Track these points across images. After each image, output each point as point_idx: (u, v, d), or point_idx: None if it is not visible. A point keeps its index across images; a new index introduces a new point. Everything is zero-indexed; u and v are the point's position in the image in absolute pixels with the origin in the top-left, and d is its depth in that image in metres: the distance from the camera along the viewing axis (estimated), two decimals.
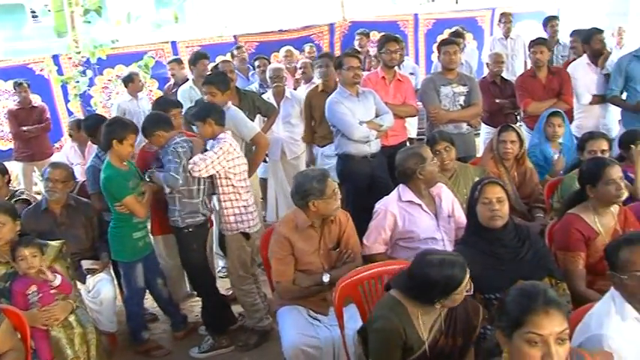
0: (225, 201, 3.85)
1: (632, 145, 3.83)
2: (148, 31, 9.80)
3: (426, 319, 2.41)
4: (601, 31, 5.59)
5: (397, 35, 5.19)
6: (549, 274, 2.82)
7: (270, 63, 6.65)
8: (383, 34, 5.51)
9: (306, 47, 8.13)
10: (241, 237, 3.90)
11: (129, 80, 6.86)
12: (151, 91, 7.99)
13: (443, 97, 4.86)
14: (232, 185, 3.85)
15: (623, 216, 3.12)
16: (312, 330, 3.14)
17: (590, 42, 5.53)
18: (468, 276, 2.33)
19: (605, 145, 3.95)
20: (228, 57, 7.49)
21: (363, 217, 3.62)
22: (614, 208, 3.10)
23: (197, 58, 6.09)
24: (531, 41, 5.73)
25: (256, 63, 6.60)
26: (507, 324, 1.79)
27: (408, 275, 2.43)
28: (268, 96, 5.74)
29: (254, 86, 6.44)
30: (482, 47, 9.09)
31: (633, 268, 2.08)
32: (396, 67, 5.33)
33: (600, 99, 5.38)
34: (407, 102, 5.03)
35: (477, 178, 3.50)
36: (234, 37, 8.64)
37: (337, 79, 4.81)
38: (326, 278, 3.19)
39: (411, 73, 6.50)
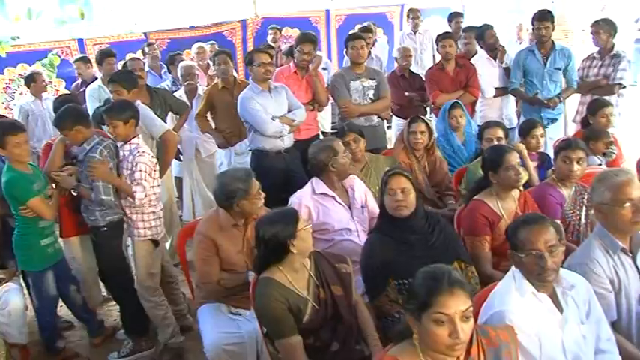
0: (136, 207, 3.68)
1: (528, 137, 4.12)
2: (52, 27, 9.36)
3: (298, 279, 2.60)
4: (491, 27, 5.88)
5: (314, 35, 5.23)
6: (458, 257, 2.94)
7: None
8: (302, 32, 5.52)
9: (207, 46, 7.99)
10: (150, 243, 3.76)
11: (31, 80, 6.48)
12: (57, 90, 7.66)
13: (353, 92, 4.97)
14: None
15: (523, 200, 3.31)
16: (233, 326, 3.12)
17: (484, 38, 5.83)
18: (299, 219, 2.59)
19: (500, 133, 4.18)
20: (138, 54, 7.29)
21: None
22: (515, 193, 3.29)
23: (103, 57, 5.89)
24: (438, 36, 5.94)
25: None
26: (416, 306, 1.86)
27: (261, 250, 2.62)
28: (180, 94, 5.65)
29: (166, 84, 6.32)
30: (392, 42, 9.33)
31: (529, 246, 2.21)
32: None
33: (502, 91, 5.66)
34: (316, 97, 5.10)
35: (387, 169, 3.60)
36: (145, 34, 8.46)
37: (236, 76, 4.80)
38: (250, 277, 3.15)
39: (324, 69, 6.57)
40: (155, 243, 3.79)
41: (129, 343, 3.87)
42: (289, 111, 4.59)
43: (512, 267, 2.33)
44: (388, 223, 2.98)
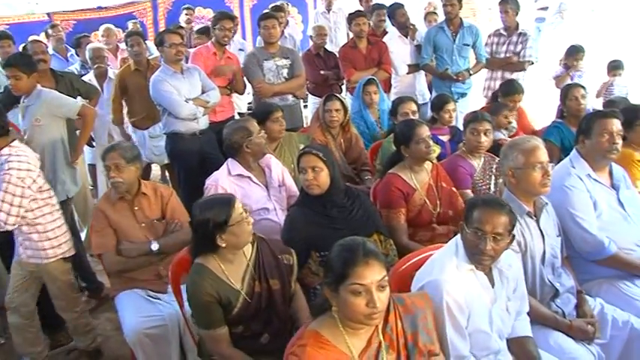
0: (35, 225, 3.23)
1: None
2: None
3: (233, 270, 2.49)
4: (402, 6, 5.99)
5: (232, 12, 5.17)
6: (377, 230, 2.99)
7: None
8: (220, 10, 5.43)
9: (130, 24, 7.75)
10: (62, 261, 3.38)
11: None
12: None
13: (266, 71, 4.95)
14: (39, 207, 3.26)
15: (436, 172, 3.41)
16: (154, 309, 3.05)
17: (395, 16, 5.92)
18: (236, 205, 2.43)
19: (414, 107, 4.29)
20: (42, 37, 6.90)
21: (196, 195, 3.56)
22: (428, 165, 3.38)
23: None
24: (350, 14, 5.99)
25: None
26: (333, 279, 1.88)
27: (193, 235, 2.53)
28: (90, 77, 5.45)
29: (74, 67, 6.06)
30: (307, 21, 9.30)
31: (477, 225, 2.25)
32: None
33: (415, 68, 5.78)
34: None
35: (302, 146, 3.61)
36: (48, 14, 8.07)
37: (148, 57, 4.72)
38: (154, 246, 3.13)
39: (240, 49, 6.48)
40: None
41: (46, 339, 3.68)
42: (203, 92, 4.50)
43: (458, 236, 2.38)
44: (309, 197, 2.99)
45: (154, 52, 6.06)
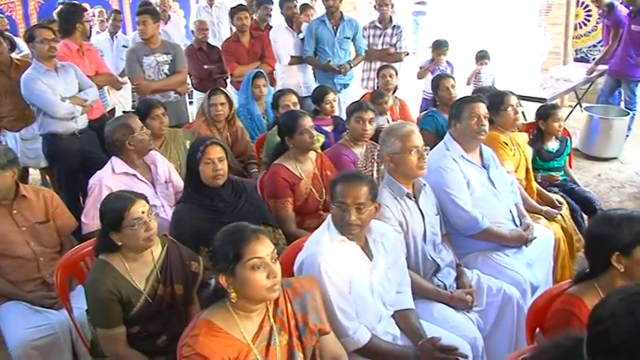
0: None
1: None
2: None
3: (137, 270, 2.45)
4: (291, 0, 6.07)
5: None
6: (265, 221, 3.02)
7: None
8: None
9: None
10: None
11: None
12: None
13: (146, 67, 4.84)
14: None
15: (320, 161, 3.51)
16: (41, 319, 2.90)
17: (283, 8, 5.98)
18: (133, 208, 2.39)
19: (294, 99, 4.37)
20: None
21: (79, 197, 3.44)
22: (312, 155, 3.47)
23: None
24: (232, 8, 5.98)
25: None
26: (226, 263, 1.90)
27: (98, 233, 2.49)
28: None
29: None
30: (189, 16, 9.14)
31: (339, 199, 2.37)
32: (108, 39, 5.09)
33: (298, 60, 5.86)
34: (100, 71, 4.92)
35: (188, 142, 3.59)
36: None
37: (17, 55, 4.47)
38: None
39: (124, 46, 6.27)
40: None
41: None
42: (80, 90, 4.32)
43: (328, 216, 2.48)
44: (195, 193, 2.98)
45: (24, 49, 5.72)
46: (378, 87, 5.07)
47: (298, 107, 4.23)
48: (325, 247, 2.34)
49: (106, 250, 2.45)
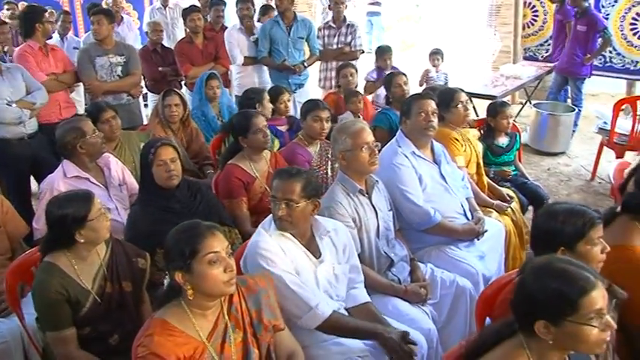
0: None
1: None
2: None
3: (84, 270, 2.44)
4: (245, 1, 6.06)
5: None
6: (221, 221, 3.01)
7: None
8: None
9: None
10: None
11: None
12: None
13: (99, 68, 4.77)
14: None
15: (274, 160, 3.53)
16: None
17: (237, 10, 5.97)
18: (95, 201, 2.41)
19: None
20: None
21: (29, 203, 3.37)
22: (266, 154, 3.49)
23: None
24: (184, 10, 5.94)
25: None
26: (182, 260, 1.90)
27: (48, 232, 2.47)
28: None
29: None
30: (142, 17, 9.02)
31: (273, 193, 2.43)
32: (59, 40, 4.98)
33: (252, 60, 5.87)
34: (66, 69, 4.84)
35: (142, 144, 3.54)
36: None
37: None
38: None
39: (75, 48, 6.15)
40: None
41: None
42: (28, 93, 4.21)
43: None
44: (151, 194, 2.97)
45: None
46: (339, 86, 5.12)
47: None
48: (264, 237, 2.39)
49: (54, 251, 2.42)
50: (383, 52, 5.85)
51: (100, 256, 2.50)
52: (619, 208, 2.37)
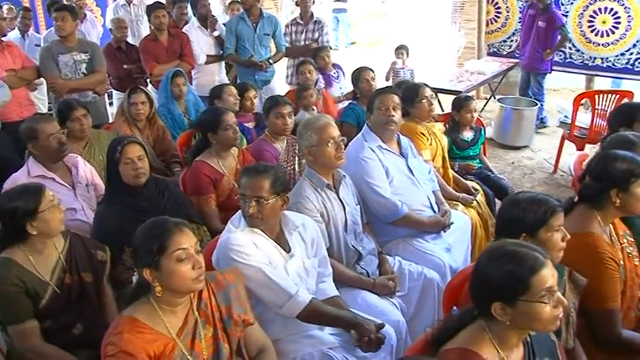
0: None
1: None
2: None
3: (42, 262, 2.46)
4: None
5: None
6: (189, 219, 3.00)
7: None
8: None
9: None
10: None
11: None
12: None
13: (63, 66, 4.69)
14: None
15: (242, 156, 3.54)
16: None
17: (196, 7, 5.96)
18: (45, 192, 2.43)
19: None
20: None
21: None
22: (234, 151, 3.49)
23: None
24: (149, 6, 5.87)
25: None
26: (150, 257, 1.90)
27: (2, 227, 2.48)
28: None
29: None
30: (105, 14, 8.88)
31: (242, 191, 2.44)
32: (19, 38, 4.88)
33: (215, 58, 5.85)
34: (25, 65, 4.75)
35: None
36: None
37: None
38: None
39: (37, 45, 6.02)
40: None
41: None
42: None
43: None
44: (118, 193, 2.95)
45: None
46: (299, 83, 5.13)
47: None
48: (235, 233, 2.40)
49: (9, 245, 2.43)
50: (319, 52, 5.65)
51: (57, 249, 2.52)
52: (577, 199, 2.45)
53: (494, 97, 7.46)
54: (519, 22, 7.56)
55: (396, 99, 3.35)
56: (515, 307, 1.64)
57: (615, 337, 2.27)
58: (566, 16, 7.00)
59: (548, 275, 1.64)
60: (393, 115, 3.30)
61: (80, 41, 4.87)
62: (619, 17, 6.78)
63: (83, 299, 2.54)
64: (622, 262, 2.34)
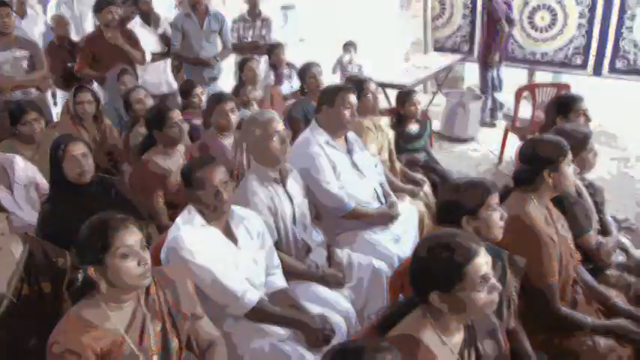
0: None
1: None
2: None
3: None
4: None
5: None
6: (136, 216, 2.98)
7: None
8: None
9: None
10: None
11: None
12: None
13: (2, 63, 4.57)
14: None
15: (190, 153, 3.54)
16: None
17: (137, 4, 5.90)
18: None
19: (142, 94, 4.30)
20: None
21: None
22: (181, 148, 3.49)
23: None
24: (97, 3, 5.71)
25: None
26: (95, 254, 1.89)
27: None
28: None
29: None
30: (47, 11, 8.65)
31: (208, 183, 2.43)
32: None
33: (160, 56, 5.79)
34: None
35: None
36: None
37: None
38: None
39: None
40: None
41: None
42: None
43: (189, 204, 2.52)
44: (63, 192, 2.91)
45: None
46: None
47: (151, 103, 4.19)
48: (185, 231, 2.40)
49: None
50: (274, 49, 5.70)
51: (14, 255, 2.39)
52: (512, 184, 2.57)
53: (441, 91, 7.62)
54: (462, 18, 7.75)
55: (355, 98, 3.37)
56: (451, 296, 1.70)
57: (555, 311, 2.39)
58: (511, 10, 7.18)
59: (482, 263, 1.71)
60: (355, 115, 3.35)
61: (17, 38, 4.78)
62: (556, 14, 7.02)
63: (40, 311, 2.42)
64: (557, 242, 2.46)
